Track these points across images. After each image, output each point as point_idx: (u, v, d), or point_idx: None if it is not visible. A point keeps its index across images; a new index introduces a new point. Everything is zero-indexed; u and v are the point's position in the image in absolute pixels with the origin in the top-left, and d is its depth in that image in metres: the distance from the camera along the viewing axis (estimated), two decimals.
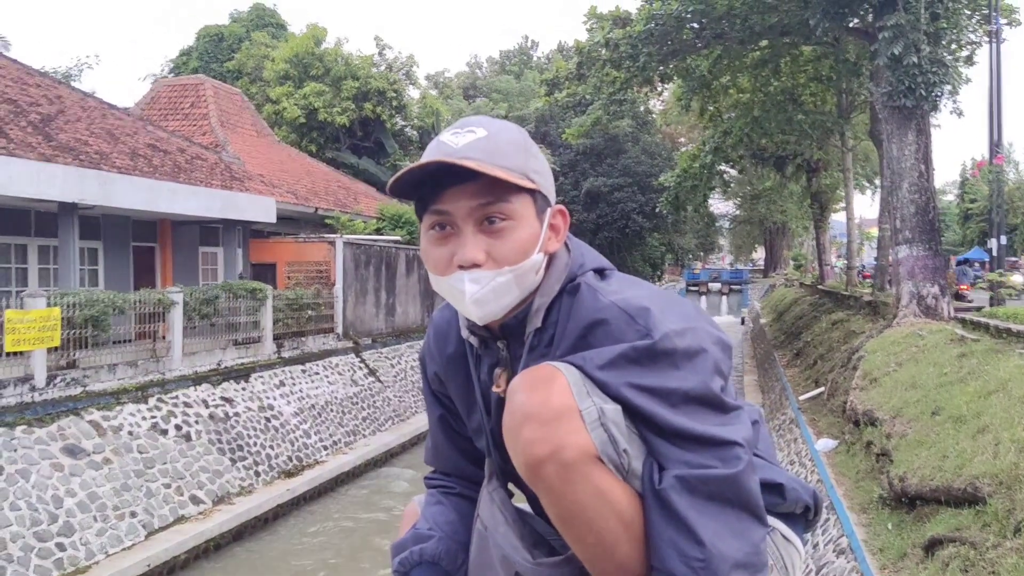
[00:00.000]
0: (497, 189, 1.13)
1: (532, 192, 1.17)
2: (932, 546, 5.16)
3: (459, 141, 1.15)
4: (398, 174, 1.14)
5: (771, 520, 1.22)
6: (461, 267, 1.14)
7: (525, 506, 1.29)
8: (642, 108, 43.26)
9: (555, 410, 1.02)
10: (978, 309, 12.23)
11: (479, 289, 1.14)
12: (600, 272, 1.23)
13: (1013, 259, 23.10)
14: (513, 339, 1.22)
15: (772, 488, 1.23)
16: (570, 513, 1.05)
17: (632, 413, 1.06)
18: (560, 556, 1.16)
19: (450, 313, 1.36)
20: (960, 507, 5.23)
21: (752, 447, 1.10)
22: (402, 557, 1.31)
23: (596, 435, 1.03)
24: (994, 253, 13.05)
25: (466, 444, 1.39)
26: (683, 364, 1.07)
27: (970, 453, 5.55)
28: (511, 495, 1.29)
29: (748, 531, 1.04)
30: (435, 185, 1.14)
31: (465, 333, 1.27)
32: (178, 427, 11.90)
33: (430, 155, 1.14)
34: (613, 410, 1.05)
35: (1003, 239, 12.66)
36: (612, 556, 1.06)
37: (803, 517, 1.30)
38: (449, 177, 1.13)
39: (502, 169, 1.12)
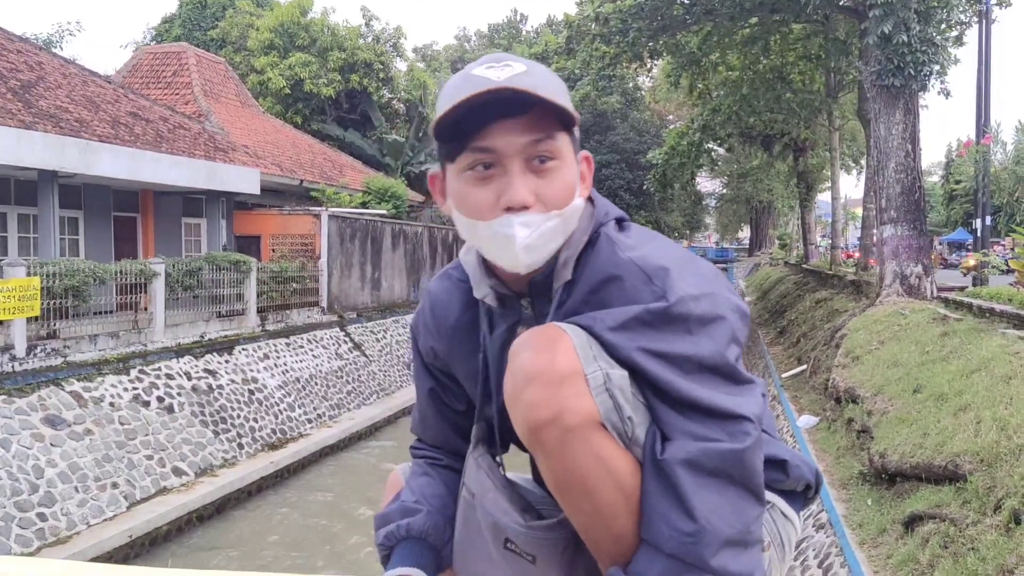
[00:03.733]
0: (546, 125, 1.06)
1: (570, 131, 1.10)
2: (912, 522, 5.21)
3: (499, 75, 1.06)
4: (451, 105, 1.03)
5: (771, 496, 1.20)
6: (509, 210, 1.06)
7: (511, 475, 1.26)
8: (631, 84, 43.10)
9: (560, 373, 0.98)
10: (961, 289, 12.32)
11: (530, 234, 1.06)
12: (619, 223, 1.17)
13: (995, 240, 23.26)
14: (538, 296, 1.15)
15: (776, 464, 1.20)
16: (569, 480, 1.01)
17: (641, 379, 1.02)
18: (553, 519, 1.13)
19: (449, 283, 1.30)
20: (940, 484, 5.28)
21: (761, 423, 1.06)
22: (388, 531, 1.27)
23: (600, 400, 0.99)
24: (978, 234, 13.14)
25: (455, 417, 1.34)
26: (698, 330, 1.02)
27: (951, 431, 5.59)
28: (498, 464, 1.25)
29: (745, 509, 1.01)
30: (477, 121, 1.05)
31: (481, 293, 1.20)
32: (160, 399, 11.84)
33: (472, 87, 1.05)
34: (619, 376, 1.00)
35: (988, 220, 12.73)
36: (609, 526, 1.03)
37: (803, 494, 1.28)
38: (494, 111, 1.04)
39: (569, 108, 1.04)
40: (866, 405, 7.91)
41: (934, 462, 5.43)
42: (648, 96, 44.47)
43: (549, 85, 1.07)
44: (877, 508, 6.04)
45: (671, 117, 46.75)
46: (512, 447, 1.27)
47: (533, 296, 1.16)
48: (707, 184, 54.12)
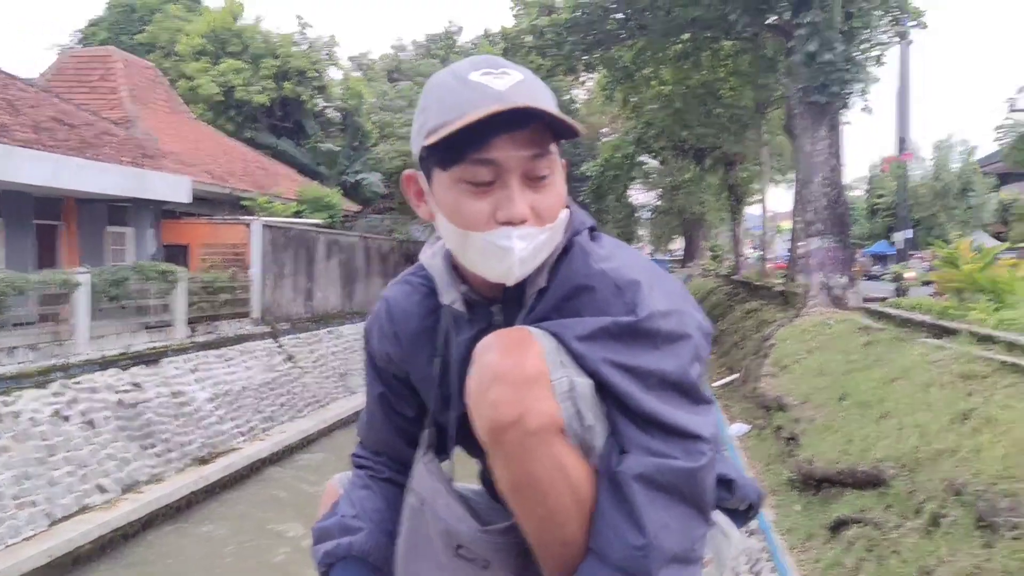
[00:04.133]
0: (544, 139, 1.06)
1: (559, 142, 1.10)
2: (838, 527, 5.37)
3: (500, 83, 1.05)
4: (466, 120, 1.01)
5: (715, 514, 1.21)
6: (508, 223, 1.05)
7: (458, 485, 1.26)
8: (566, 97, 43.53)
9: (527, 375, 0.98)
10: (883, 299, 12.75)
11: (526, 247, 1.06)
12: (591, 232, 1.17)
13: (913, 253, 24.15)
14: (510, 302, 1.15)
15: (723, 483, 1.22)
16: (525, 483, 1.01)
17: (604, 390, 1.03)
18: (508, 523, 1.12)
19: (409, 288, 1.29)
20: (864, 489, 5.45)
21: (716, 444, 1.08)
22: (328, 549, 1.25)
23: (564, 407, 0.99)
24: (899, 247, 13.65)
25: (404, 423, 1.33)
26: (664, 347, 1.04)
27: (874, 437, 5.79)
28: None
29: (692, 527, 1.03)
30: (481, 132, 1.03)
31: (450, 298, 1.18)
32: (83, 413, 11.42)
33: (481, 99, 1.03)
34: (584, 384, 1.01)
35: (908, 233, 13.24)
36: (560, 533, 1.03)
37: (744, 513, 1.30)
38: (499, 124, 1.02)
39: (568, 118, 1.04)
40: (794, 413, 8.12)
41: (858, 468, 5.61)
42: (583, 109, 44.98)
43: (547, 95, 1.08)
44: (805, 513, 6.19)
45: (606, 130, 47.35)
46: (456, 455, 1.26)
47: (505, 302, 1.16)
48: (642, 196, 54.91)
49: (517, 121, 1.02)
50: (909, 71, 13.72)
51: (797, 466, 6.85)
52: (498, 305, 1.16)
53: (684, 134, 23.48)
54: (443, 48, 59.48)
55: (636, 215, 58.92)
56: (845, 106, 12.89)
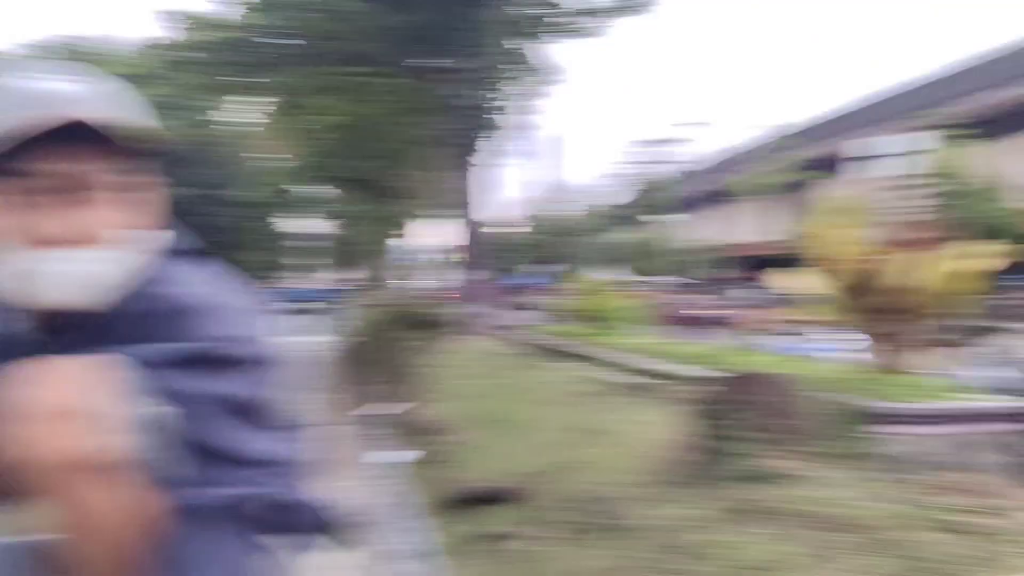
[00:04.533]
0: (117, 151, 0.96)
1: (134, 157, 1.01)
2: (488, 540, 5.74)
3: (55, 88, 0.94)
4: (6, 127, 0.89)
5: (285, 539, 1.18)
6: (44, 243, 0.94)
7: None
8: (232, 120, 41.67)
9: (71, 408, 0.89)
10: (525, 327, 13.93)
11: (66, 270, 0.95)
12: (178, 254, 1.10)
13: (557, 285, 26.61)
14: (71, 328, 1.03)
15: (298, 508, 1.17)
16: (79, 524, 0.93)
17: (170, 419, 0.96)
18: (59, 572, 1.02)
19: None
20: (510, 503, 5.90)
21: (294, 468, 1.07)
22: None
23: (125, 439, 0.92)
24: (544, 279, 15.06)
25: None
26: (233, 373, 1.01)
27: (517, 454, 6.31)
28: None
29: (253, 558, 1.01)
30: (23, 141, 0.91)
31: None
32: None
33: (26, 102, 0.91)
34: (151, 413, 0.94)
35: (555, 266, 14.68)
36: (118, 571, 0.96)
37: (328, 535, 1.27)
38: (58, 134, 0.91)
39: (144, 131, 0.95)
40: (450, 435, 8.56)
41: (504, 484, 6.07)
42: (249, 133, 43.45)
43: (119, 105, 0.99)
44: (460, 531, 6.52)
45: (275, 156, 46.10)
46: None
47: (64, 329, 1.04)
48: (315, 224, 54.30)
49: (70, 132, 0.93)
50: (557, 119, 15.27)
51: (452, 486, 7.20)
52: (56, 333, 1.04)
53: (349, 165, 23.68)
54: (64, 51, 53.84)
55: (289, 244, 57.87)
56: (487, 150, 13.96)
